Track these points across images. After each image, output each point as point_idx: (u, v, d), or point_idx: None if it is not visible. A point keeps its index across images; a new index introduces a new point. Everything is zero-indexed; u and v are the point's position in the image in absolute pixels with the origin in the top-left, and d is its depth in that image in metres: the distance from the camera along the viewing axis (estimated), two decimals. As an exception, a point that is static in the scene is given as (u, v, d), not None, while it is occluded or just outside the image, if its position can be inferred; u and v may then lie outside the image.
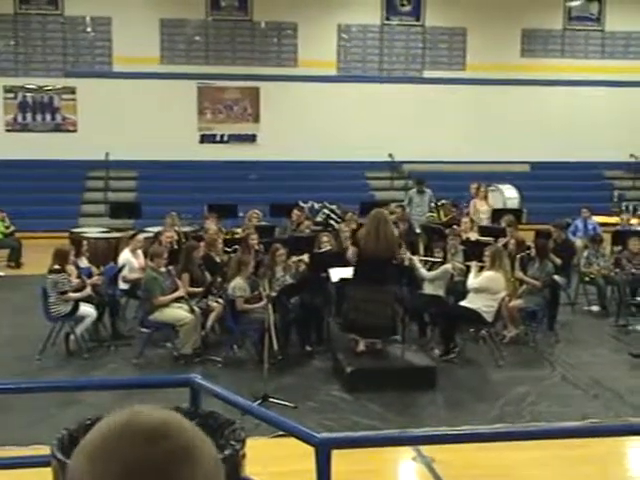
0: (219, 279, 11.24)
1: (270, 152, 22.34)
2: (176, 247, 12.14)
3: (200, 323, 10.42)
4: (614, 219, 17.98)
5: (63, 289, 10.28)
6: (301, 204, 16.30)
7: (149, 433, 1.23)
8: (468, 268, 11.18)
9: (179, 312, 10.32)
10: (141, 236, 12.66)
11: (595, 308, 13.10)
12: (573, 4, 23.91)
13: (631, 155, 23.84)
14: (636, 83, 24.14)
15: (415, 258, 11.68)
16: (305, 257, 11.67)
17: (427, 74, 23.80)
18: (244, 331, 10.40)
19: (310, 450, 4.10)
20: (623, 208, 20.36)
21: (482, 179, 18.24)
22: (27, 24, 22.17)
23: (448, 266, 11.57)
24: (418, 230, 15.03)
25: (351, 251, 9.88)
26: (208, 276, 11.22)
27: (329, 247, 12.00)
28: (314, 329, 10.92)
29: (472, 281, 10.64)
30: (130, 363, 10.12)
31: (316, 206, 17.41)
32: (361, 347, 9.94)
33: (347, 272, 10.21)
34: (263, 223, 14.50)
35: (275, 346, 9.15)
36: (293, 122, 22.70)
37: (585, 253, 13.65)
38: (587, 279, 13.31)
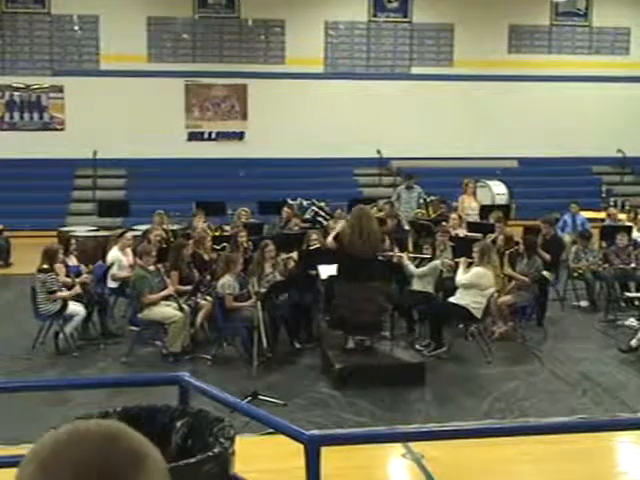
0: (208, 277, 11.23)
1: (258, 149, 22.30)
2: (165, 245, 12.13)
3: (189, 321, 10.43)
4: (602, 214, 18.00)
5: (52, 288, 10.26)
6: (290, 201, 16.28)
7: (100, 437, 1.24)
8: (457, 264, 11.18)
9: (168, 310, 10.31)
10: (130, 234, 12.64)
11: (584, 303, 13.14)
12: (560, 0, 23.93)
13: (618, 150, 23.88)
14: (623, 78, 24.18)
15: (404, 255, 11.68)
16: (294, 254, 11.67)
17: (415, 70, 23.80)
18: (233, 329, 10.40)
19: (300, 447, 4.10)
20: (611, 203, 20.37)
21: (470, 175, 18.24)
22: (14, 23, 22.05)
23: (437, 262, 11.57)
24: (407, 227, 15.02)
25: (329, 240, 9.90)
26: (197, 274, 11.22)
27: (318, 244, 12.00)
28: (303, 326, 10.93)
29: (461, 277, 10.64)
30: (119, 361, 10.12)
31: (305, 203, 17.36)
32: (350, 344, 9.95)
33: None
34: (252, 221, 14.48)
35: (264, 344, 9.15)
36: (281, 119, 22.65)
37: (574, 249, 13.66)
38: (576, 275, 13.33)
